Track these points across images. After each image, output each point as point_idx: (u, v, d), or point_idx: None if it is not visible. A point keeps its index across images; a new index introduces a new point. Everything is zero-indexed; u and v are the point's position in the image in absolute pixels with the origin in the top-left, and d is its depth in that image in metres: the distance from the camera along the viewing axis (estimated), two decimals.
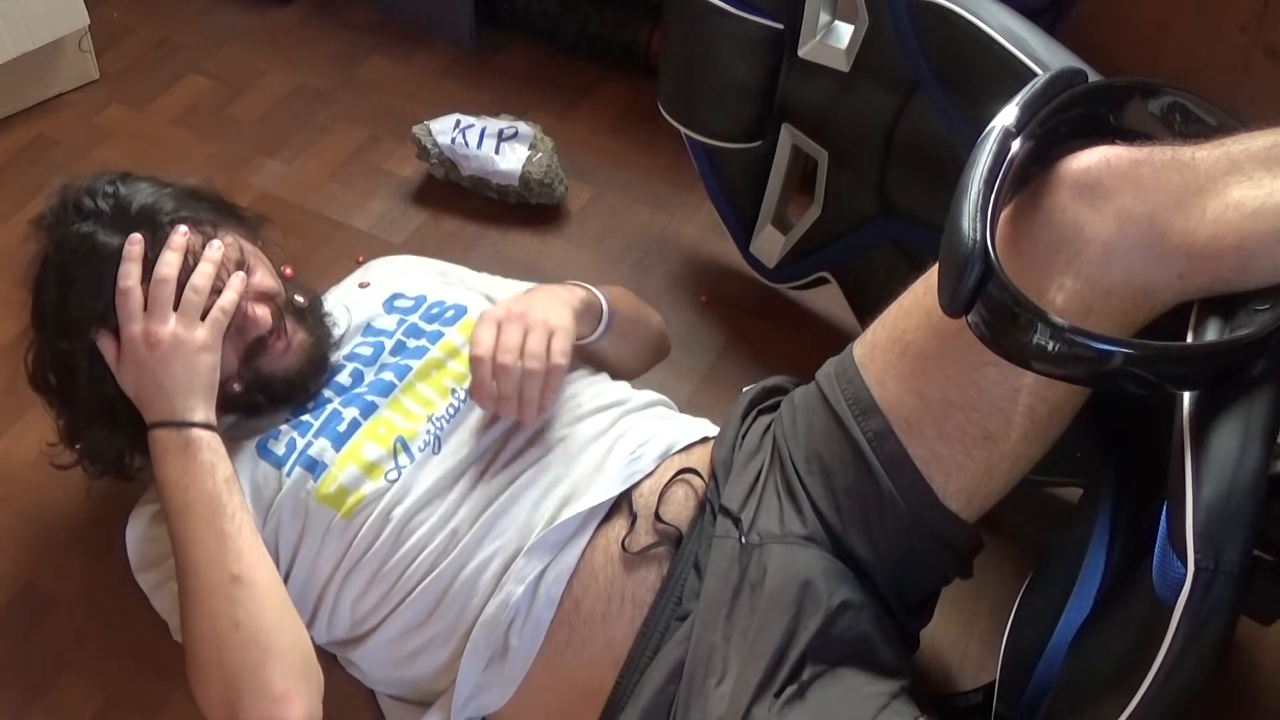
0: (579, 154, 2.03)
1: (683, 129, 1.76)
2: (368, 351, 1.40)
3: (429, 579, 1.26)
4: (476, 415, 1.34)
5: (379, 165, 2.09)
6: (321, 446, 1.30)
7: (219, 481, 1.23)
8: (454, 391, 1.35)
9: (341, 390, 1.37)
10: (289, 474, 1.30)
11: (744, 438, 1.33)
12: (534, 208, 1.99)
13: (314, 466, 1.29)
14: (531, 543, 1.25)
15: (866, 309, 1.31)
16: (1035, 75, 1.26)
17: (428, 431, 1.32)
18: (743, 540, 1.22)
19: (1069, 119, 1.13)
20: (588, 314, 1.38)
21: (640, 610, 1.23)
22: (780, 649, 1.15)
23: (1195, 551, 0.90)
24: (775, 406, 1.35)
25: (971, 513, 1.22)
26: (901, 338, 1.21)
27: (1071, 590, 1.16)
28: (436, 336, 1.40)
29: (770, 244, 1.82)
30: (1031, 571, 1.40)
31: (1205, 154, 1.05)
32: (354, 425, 1.32)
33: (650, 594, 1.24)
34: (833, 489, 1.23)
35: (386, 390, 1.35)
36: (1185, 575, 0.91)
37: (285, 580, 1.30)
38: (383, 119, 2.14)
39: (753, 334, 1.85)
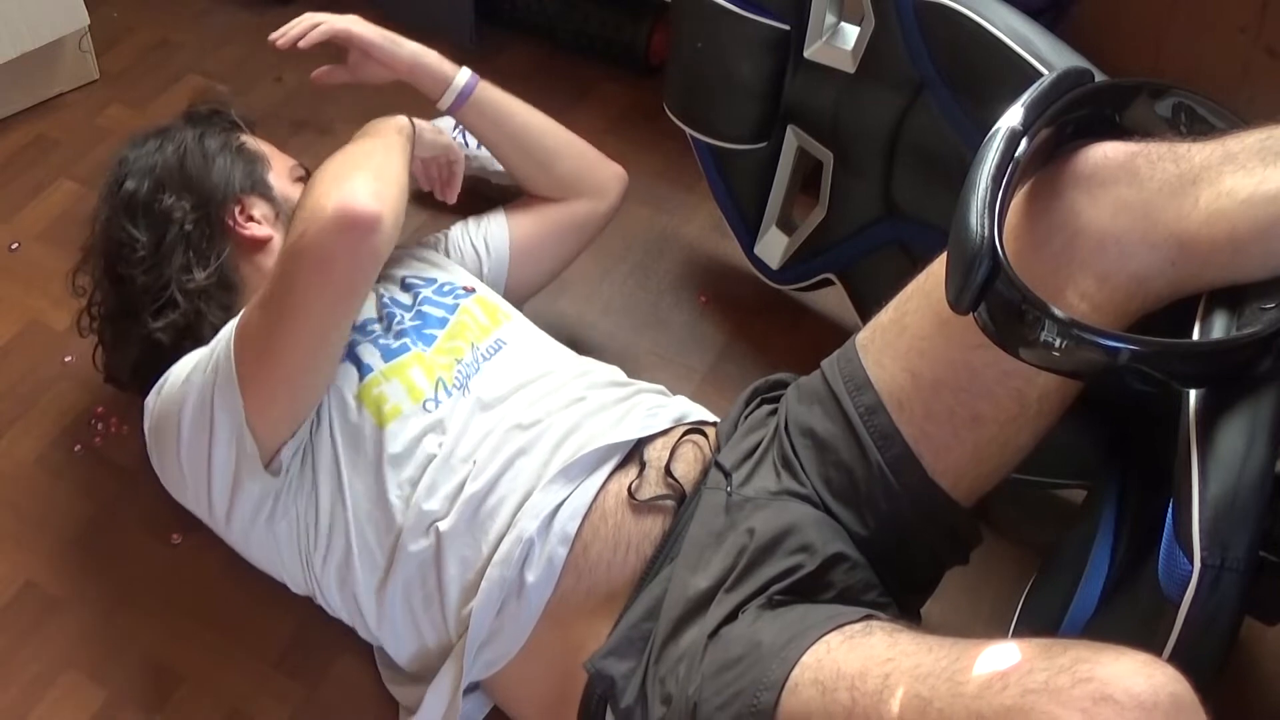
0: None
1: (688, 130, 1.76)
2: (397, 313, 1.47)
3: (453, 513, 1.30)
4: (498, 368, 1.42)
5: None
6: (370, 353, 1.40)
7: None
8: (474, 347, 1.43)
9: (370, 333, 1.44)
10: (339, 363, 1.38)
11: (747, 418, 1.37)
12: None
13: (360, 366, 1.39)
14: (549, 477, 1.29)
15: (871, 311, 1.31)
16: (1041, 75, 1.27)
17: (457, 376, 1.40)
18: (729, 491, 1.26)
19: (1075, 118, 1.14)
20: (428, 75, 1.58)
21: (642, 563, 1.27)
22: (763, 587, 1.17)
23: (1202, 548, 0.91)
24: (780, 398, 1.38)
25: (961, 494, 1.23)
26: (901, 319, 1.25)
27: (1076, 587, 1.17)
28: (454, 308, 1.48)
29: (775, 246, 1.82)
30: (1035, 571, 1.40)
31: (1201, 147, 1.08)
32: (402, 349, 1.41)
33: (652, 548, 1.27)
34: (825, 463, 1.26)
35: (418, 340, 1.42)
36: (1191, 572, 0.91)
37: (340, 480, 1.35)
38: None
39: (753, 334, 1.85)
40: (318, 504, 1.35)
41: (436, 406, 1.36)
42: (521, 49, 2.29)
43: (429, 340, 1.43)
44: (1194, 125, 1.15)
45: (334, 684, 1.46)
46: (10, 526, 1.58)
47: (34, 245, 1.91)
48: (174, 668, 1.46)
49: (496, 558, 1.27)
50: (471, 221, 1.68)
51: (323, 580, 1.37)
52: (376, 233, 1.24)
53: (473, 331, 1.46)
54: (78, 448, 1.66)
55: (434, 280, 1.53)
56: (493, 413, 1.37)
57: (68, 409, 1.71)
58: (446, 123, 1.98)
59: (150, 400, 1.40)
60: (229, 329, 1.34)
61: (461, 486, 1.31)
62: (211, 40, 2.28)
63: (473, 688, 1.37)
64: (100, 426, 1.68)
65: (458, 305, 1.49)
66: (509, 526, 1.29)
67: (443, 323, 1.46)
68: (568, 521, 1.28)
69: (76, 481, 1.63)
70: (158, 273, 1.45)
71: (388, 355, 1.40)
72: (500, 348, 1.45)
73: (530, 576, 1.27)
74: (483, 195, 2.00)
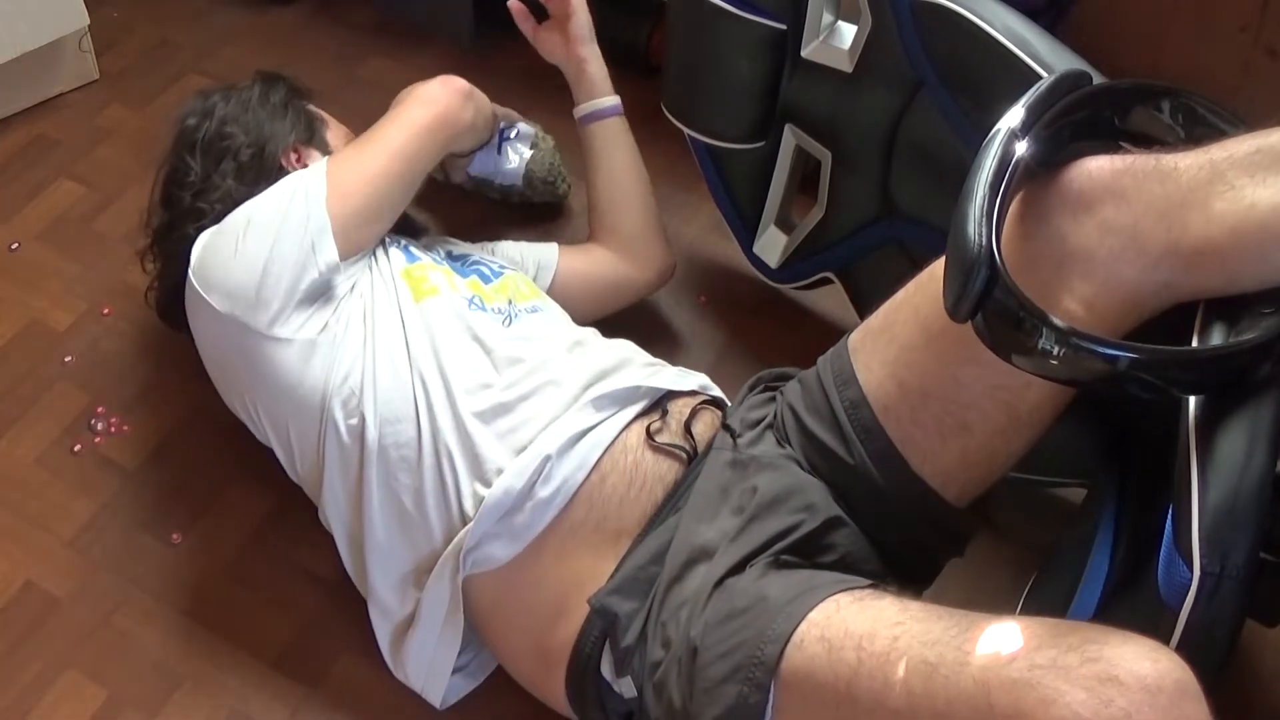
0: (580, 154, 2.02)
1: (686, 130, 1.76)
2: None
3: (475, 411, 1.34)
4: (536, 319, 1.49)
5: None
6: (422, 253, 1.55)
7: None
8: (513, 302, 1.50)
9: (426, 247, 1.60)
10: (388, 246, 1.51)
11: (751, 397, 1.41)
12: (536, 208, 1.99)
13: (410, 255, 1.52)
14: (580, 403, 1.34)
15: (870, 310, 1.31)
16: (1039, 76, 1.27)
17: (502, 307, 1.48)
18: (735, 445, 1.31)
19: (1074, 121, 1.13)
20: (587, 79, 1.74)
21: (653, 505, 1.30)
22: (767, 542, 1.20)
23: (1201, 556, 0.91)
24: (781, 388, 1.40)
25: (951, 495, 1.24)
26: (890, 327, 1.26)
27: (1075, 592, 1.17)
28: (500, 273, 1.57)
29: (774, 245, 1.82)
30: (1035, 573, 1.40)
31: (1188, 163, 1.06)
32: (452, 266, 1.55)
33: (664, 492, 1.31)
34: (812, 451, 1.28)
35: (466, 276, 1.54)
36: (1191, 580, 0.91)
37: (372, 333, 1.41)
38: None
39: (753, 334, 1.85)
40: (356, 329, 1.40)
41: (470, 307, 1.45)
42: (521, 49, 2.26)
43: (467, 276, 1.54)
44: (1193, 127, 1.14)
45: (334, 684, 1.46)
46: (10, 526, 1.58)
47: (34, 245, 1.91)
48: (174, 668, 1.46)
49: (512, 467, 1.30)
50: (525, 243, 1.76)
51: (333, 395, 1.37)
52: (470, 100, 1.58)
53: (517, 293, 1.54)
54: (78, 448, 1.66)
55: (474, 257, 1.63)
56: (529, 343, 1.42)
57: (68, 409, 1.71)
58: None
59: (202, 236, 1.43)
60: (313, 166, 1.47)
61: (488, 385, 1.36)
62: (211, 40, 2.27)
63: (461, 667, 1.39)
64: (100, 426, 1.68)
65: (504, 271, 1.58)
66: (530, 442, 1.32)
67: (487, 279, 1.54)
68: (590, 449, 1.31)
69: (76, 481, 1.63)
70: (205, 197, 1.52)
71: (437, 261, 1.54)
72: (538, 310, 1.52)
73: (542, 492, 1.29)
74: (482, 198, 2.00)
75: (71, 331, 1.80)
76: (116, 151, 2.05)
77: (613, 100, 1.74)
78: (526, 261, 1.70)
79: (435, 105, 1.52)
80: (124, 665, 1.46)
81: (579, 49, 1.73)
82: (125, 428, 1.69)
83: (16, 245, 1.90)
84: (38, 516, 1.60)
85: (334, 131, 1.66)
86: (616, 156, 1.75)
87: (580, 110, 1.75)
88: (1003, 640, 0.94)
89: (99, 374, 1.74)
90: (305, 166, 1.56)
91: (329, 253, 1.38)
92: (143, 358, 1.77)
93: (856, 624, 1.05)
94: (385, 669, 1.43)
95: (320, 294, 1.39)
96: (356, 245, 1.43)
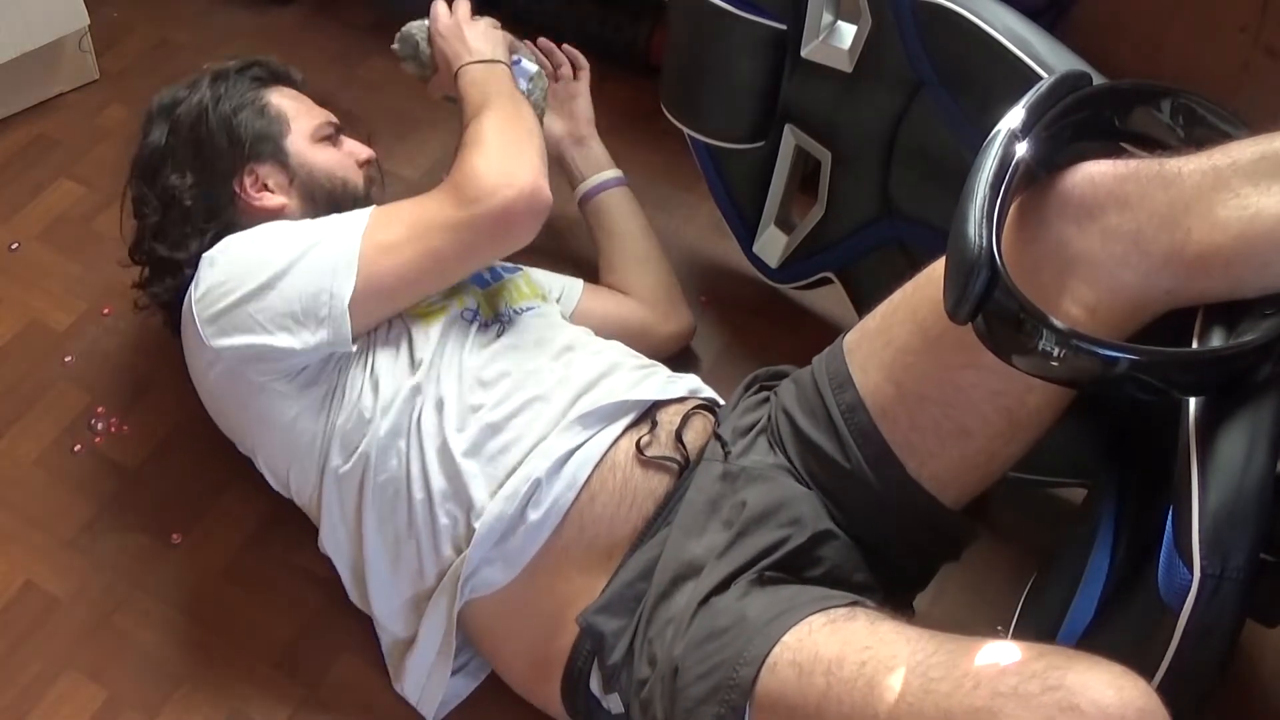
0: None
1: (686, 129, 1.76)
2: None
3: (464, 443, 1.32)
4: (529, 323, 1.47)
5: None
6: None
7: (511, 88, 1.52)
8: (509, 305, 1.50)
9: None
10: None
11: (745, 400, 1.41)
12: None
13: None
14: (567, 421, 1.32)
15: (869, 309, 1.31)
16: (1039, 77, 1.27)
17: (497, 317, 1.47)
18: (726, 458, 1.30)
19: (1075, 122, 1.13)
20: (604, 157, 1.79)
21: (643, 521, 1.30)
22: (754, 558, 1.20)
23: (1201, 558, 0.91)
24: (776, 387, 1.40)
25: (949, 499, 1.24)
26: (887, 330, 1.25)
27: (1075, 592, 1.17)
28: (499, 275, 1.56)
29: (774, 244, 1.82)
30: (1034, 573, 1.40)
31: (1191, 168, 1.05)
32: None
33: (654, 506, 1.30)
34: (807, 455, 1.28)
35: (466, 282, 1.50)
36: (1191, 581, 0.91)
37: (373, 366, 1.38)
38: (383, 119, 2.13)
39: (753, 334, 1.85)
40: (358, 370, 1.38)
41: (475, 319, 1.44)
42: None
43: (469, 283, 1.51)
44: (1193, 128, 1.15)
45: (334, 684, 1.46)
46: (10, 526, 1.58)
47: (34, 245, 1.91)
48: (174, 668, 1.46)
49: (502, 493, 1.29)
50: (552, 273, 1.72)
51: (332, 440, 1.36)
52: (540, 225, 1.40)
53: (512, 296, 1.52)
54: (78, 448, 1.66)
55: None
56: (518, 353, 1.41)
57: (68, 409, 1.71)
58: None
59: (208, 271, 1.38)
60: (350, 234, 1.36)
61: (478, 409, 1.34)
62: (211, 40, 2.27)
63: (461, 666, 1.40)
64: (100, 426, 1.68)
65: (503, 275, 1.56)
66: (519, 465, 1.31)
67: (485, 284, 1.53)
68: (579, 468, 1.30)
69: (76, 481, 1.63)
70: (165, 239, 1.49)
71: None
72: (533, 308, 1.51)
73: (533, 515, 1.29)
74: None
75: (71, 331, 1.80)
76: (116, 151, 2.03)
77: (617, 173, 1.78)
78: (552, 288, 1.67)
79: (511, 231, 1.38)
80: (124, 665, 1.46)
81: (582, 128, 1.78)
82: (125, 428, 1.68)
83: (16, 245, 1.90)
84: (38, 516, 1.60)
85: (298, 129, 1.54)
86: (627, 223, 1.77)
87: (586, 185, 1.77)
88: (1001, 656, 0.95)
89: (99, 374, 1.74)
90: (265, 188, 1.50)
91: (344, 334, 1.33)
92: (143, 358, 1.77)
93: (826, 648, 1.06)
94: (385, 669, 1.43)
95: (334, 344, 1.35)
96: (371, 325, 1.39)
